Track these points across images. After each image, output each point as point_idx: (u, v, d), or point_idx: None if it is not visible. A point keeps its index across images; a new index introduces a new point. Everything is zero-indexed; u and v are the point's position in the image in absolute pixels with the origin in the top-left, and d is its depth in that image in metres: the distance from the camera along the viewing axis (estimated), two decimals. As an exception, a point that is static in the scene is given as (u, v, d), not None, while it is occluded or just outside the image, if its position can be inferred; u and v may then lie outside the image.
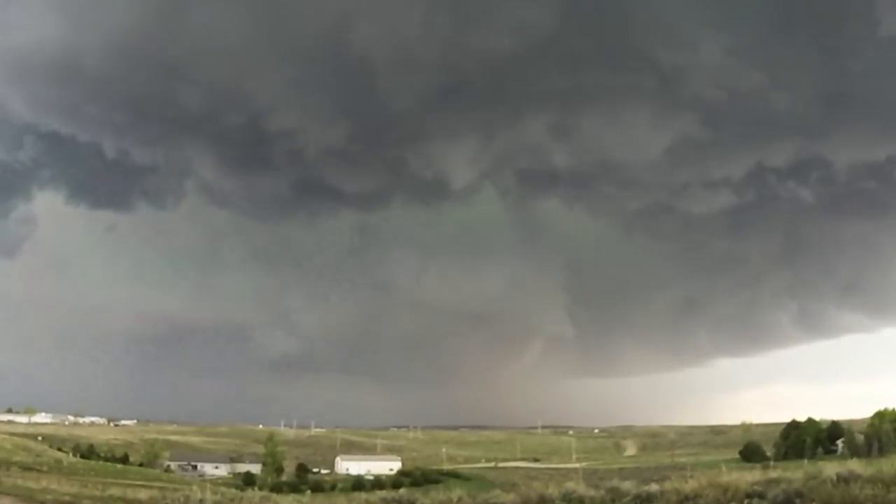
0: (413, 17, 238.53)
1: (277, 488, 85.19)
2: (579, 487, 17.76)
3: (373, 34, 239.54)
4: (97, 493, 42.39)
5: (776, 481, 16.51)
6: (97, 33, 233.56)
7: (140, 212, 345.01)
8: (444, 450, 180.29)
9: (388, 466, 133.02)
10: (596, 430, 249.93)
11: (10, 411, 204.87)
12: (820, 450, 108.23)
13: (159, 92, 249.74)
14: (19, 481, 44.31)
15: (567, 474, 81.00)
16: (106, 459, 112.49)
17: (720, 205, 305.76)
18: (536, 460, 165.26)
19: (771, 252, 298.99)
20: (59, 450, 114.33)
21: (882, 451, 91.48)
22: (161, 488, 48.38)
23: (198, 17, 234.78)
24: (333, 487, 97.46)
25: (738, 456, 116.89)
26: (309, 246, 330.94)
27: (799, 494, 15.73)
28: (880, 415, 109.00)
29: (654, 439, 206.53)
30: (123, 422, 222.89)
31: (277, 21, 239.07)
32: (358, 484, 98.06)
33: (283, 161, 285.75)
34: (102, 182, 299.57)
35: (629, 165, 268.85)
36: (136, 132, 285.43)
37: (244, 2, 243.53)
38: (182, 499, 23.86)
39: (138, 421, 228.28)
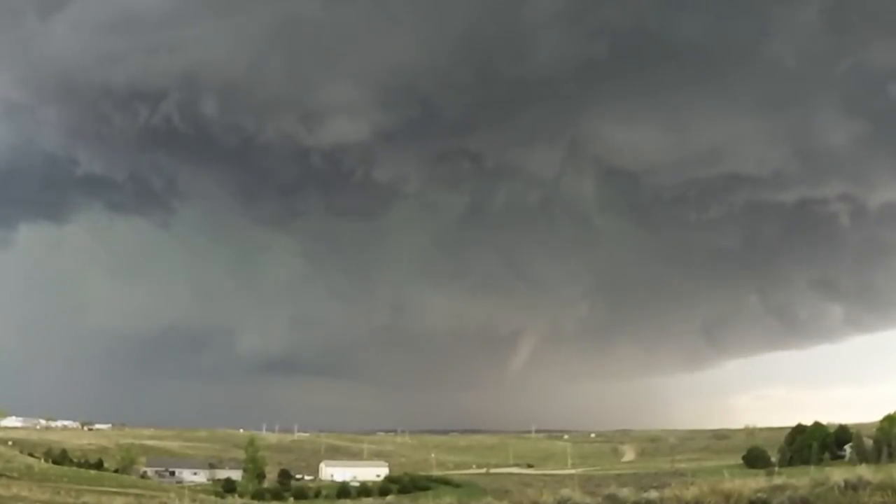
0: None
1: (259, 495, 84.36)
2: (575, 494, 17.51)
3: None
4: (70, 500, 41.18)
5: (781, 488, 16.49)
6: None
7: (122, 215, 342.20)
8: (433, 455, 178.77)
9: (374, 472, 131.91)
10: (592, 435, 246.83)
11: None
12: (827, 455, 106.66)
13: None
14: (-11, 488, 42.87)
15: (562, 480, 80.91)
16: (79, 465, 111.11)
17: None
18: (530, 466, 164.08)
19: (771, 253, 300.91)
20: (31, 455, 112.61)
21: (892, 457, 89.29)
22: (137, 495, 47.28)
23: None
24: (318, 494, 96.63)
25: (741, 461, 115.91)
26: (294, 249, 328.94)
27: (805, 501, 15.77)
28: (890, 418, 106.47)
29: (653, 444, 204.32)
30: (98, 426, 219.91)
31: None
32: (343, 491, 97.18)
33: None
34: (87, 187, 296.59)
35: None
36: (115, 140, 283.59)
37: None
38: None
39: (113, 425, 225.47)
